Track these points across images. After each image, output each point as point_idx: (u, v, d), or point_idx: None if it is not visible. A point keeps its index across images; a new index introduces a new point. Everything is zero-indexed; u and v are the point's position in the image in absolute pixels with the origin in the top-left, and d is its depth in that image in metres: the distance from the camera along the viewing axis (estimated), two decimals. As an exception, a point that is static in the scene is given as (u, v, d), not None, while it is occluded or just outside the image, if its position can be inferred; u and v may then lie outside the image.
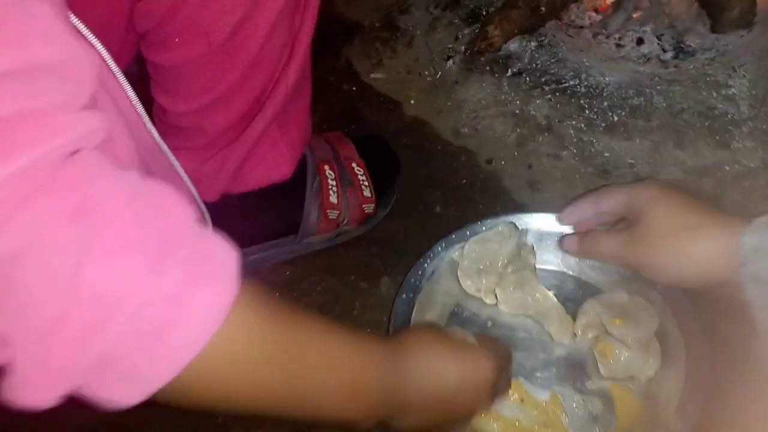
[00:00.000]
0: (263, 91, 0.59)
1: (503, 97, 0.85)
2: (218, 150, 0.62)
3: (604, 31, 0.90)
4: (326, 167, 0.71)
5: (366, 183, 0.72)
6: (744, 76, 0.81)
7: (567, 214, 0.63)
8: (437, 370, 0.45)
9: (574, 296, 0.67)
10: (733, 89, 0.80)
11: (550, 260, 0.69)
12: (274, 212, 0.69)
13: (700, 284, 0.52)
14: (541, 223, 0.69)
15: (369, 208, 0.72)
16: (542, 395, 0.61)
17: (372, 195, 0.72)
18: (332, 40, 0.95)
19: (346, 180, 0.71)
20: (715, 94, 0.80)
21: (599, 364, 0.61)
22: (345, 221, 0.71)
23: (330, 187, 0.70)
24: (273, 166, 0.65)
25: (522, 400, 0.61)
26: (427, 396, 0.44)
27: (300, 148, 0.67)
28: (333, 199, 0.69)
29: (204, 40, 0.52)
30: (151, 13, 0.51)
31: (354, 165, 0.73)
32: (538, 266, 0.68)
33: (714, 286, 0.51)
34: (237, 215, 0.67)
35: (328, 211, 0.69)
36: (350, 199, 0.71)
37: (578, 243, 0.61)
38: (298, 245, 0.72)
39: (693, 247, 0.51)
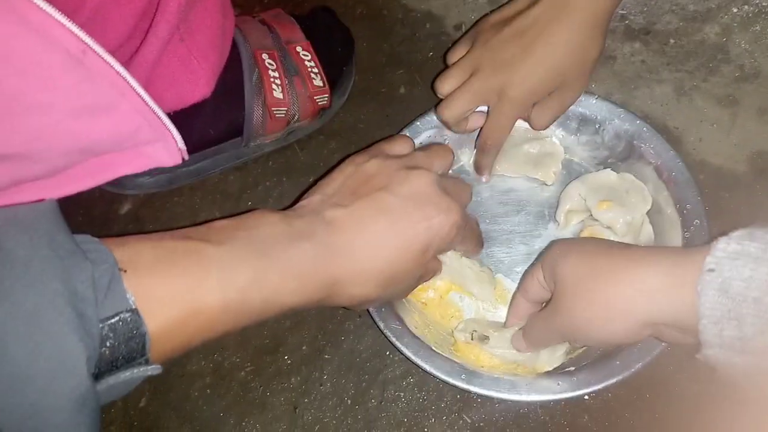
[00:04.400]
0: (148, 2, 0.48)
1: (471, -56, 0.71)
2: None
3: None
4: (265, 56, 0.60)
5: (316, 70, 0.62)
6: None
7: (511, 321, 0.52)
8: (369, 240, 0.41)
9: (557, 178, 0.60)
10: None
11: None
12: (212, 114, 0.60)
13: (638, 332, 0.41)
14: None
15: (322, 99, 0.63)
16: (523, 292, 0.56)
17: (324, 84, 0.62)
18: None
19: (291, 69, 0.61)
20: None
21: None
22: (295, 117, 0.62)
23: (272, 80, 0.60)
24: (188, 87, 0.55)
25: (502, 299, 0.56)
26: (363, 268, 0.41)
27: (216, 57, 0.56)
28: (278, 94, 0.60)
29: None
30: None
31: (299, 49, 0.62)
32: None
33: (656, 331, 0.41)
34: (173, 121, 0.58)
35: (273, 109, 0.60)
36: (298, 90, 0.61)
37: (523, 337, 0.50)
38: (246, 149, 0.63)
39: (609, 293, 0.40)
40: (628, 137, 0.57)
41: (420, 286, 0.53)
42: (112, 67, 0.41)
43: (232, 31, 0.59)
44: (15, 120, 0.39)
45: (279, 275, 0.37)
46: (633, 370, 0.48)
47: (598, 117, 0.58)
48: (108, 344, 0.28)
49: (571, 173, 0.60)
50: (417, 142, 0.59)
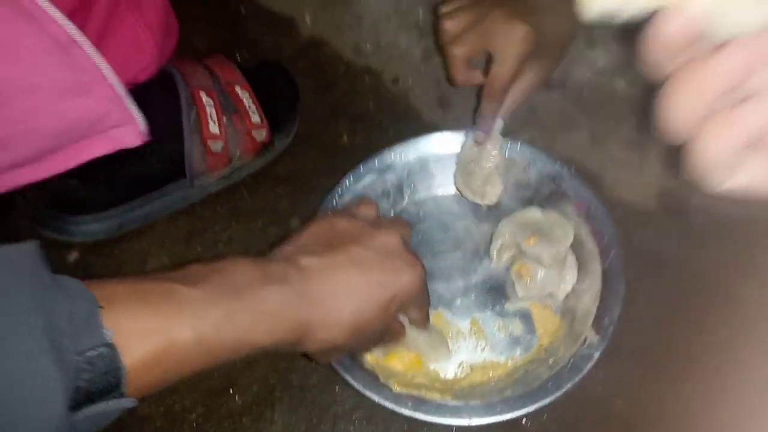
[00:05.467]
0: None
1: (404, 5, 0.78)
2: None
3: None
4: (203, 94, 0.64)
5: (254, 108, 0.66)
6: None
7: None
8: (340, 288, 0.43)
9: (488, 217, 0.65)
10: (641, -21, 0.76)
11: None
12: (153, 155, 0.62)
13: None
14: (452, 143, 0.65)
15: (260, 135, 0.66)
16: (463, 324, 0.60)
17: (262, 119, 0.67)
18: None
19: (229, 107, 0.65)
20: (623, -14, 0.76)
21: (516, 286, 0.60)
22: (236, 155, 0.65)
23: (209, 115, 0.63)
24: (134, 57, 0.58)
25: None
26: (332, 314, 0.42)
27: (160, 33, 0.60)
28: (213, 128, 0.63)
29: None
30: None
31: (237, 89, 0.67)
32: (448, 192, 0.67)
33: None
34: (115, 166, 0.60)
35: (209, 141, 0.63)
36: (237, 127, 0.65)
37: None
38: (190, 189, 0.66)
39: None
40: (550, 178, 0.63)
41: (390, 356, 0.56)
42: (90, 57, 0.44)
43: (176, 22, 0.63)
44: (5, 103, 0.42)
45: (251, 315, 0.38)
46: (564, 389, 0.52)
47: (524, 160, 0.64)
48: (84, 377, 0.29)
49: (501, 211, 0.65)
50: (359, 185, 0.64)
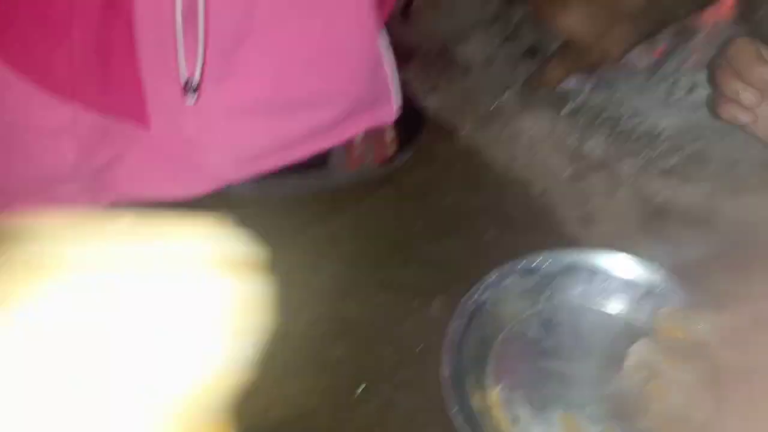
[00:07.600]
0: None
1: (558, 133, 0.86)
2: None
3: (658, 74, 0.92)
4: None
5: (391, 132, 0.81)
6: (799, 132, 0.82)
7: None
8: None
9: (622, 333, 0.68)
10: (788, 144, 0.82)
11: (597, 301, 0.71)
12: None
13: None
14: (593, 260, 0.70)
15: (390, 150, 0.82)
16: (594, 430, 0.61)
17: (392, 140, 0.82)
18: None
19: None
20: (769, 149, 0.82)
21: (649, 405, 0.62)
22: (369, 159, 0.81)
23: None
24: None
25: (572, 434, 0.61)
26: None
27: None
28: (358, 139, 0.79)
29: None
30: None
31: None
32: (583, 304, 0.71)
33: None
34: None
35: (353, 146, 0.78)
36: (374, 141, 0.80)
37: None
38: (328, 179, 0.80)
39: None
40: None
41: None
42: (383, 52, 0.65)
43: None
44: (337, 62, 0.61)
45: None
46: None
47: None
48: None
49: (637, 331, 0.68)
50: (502, 283, 0.69)
